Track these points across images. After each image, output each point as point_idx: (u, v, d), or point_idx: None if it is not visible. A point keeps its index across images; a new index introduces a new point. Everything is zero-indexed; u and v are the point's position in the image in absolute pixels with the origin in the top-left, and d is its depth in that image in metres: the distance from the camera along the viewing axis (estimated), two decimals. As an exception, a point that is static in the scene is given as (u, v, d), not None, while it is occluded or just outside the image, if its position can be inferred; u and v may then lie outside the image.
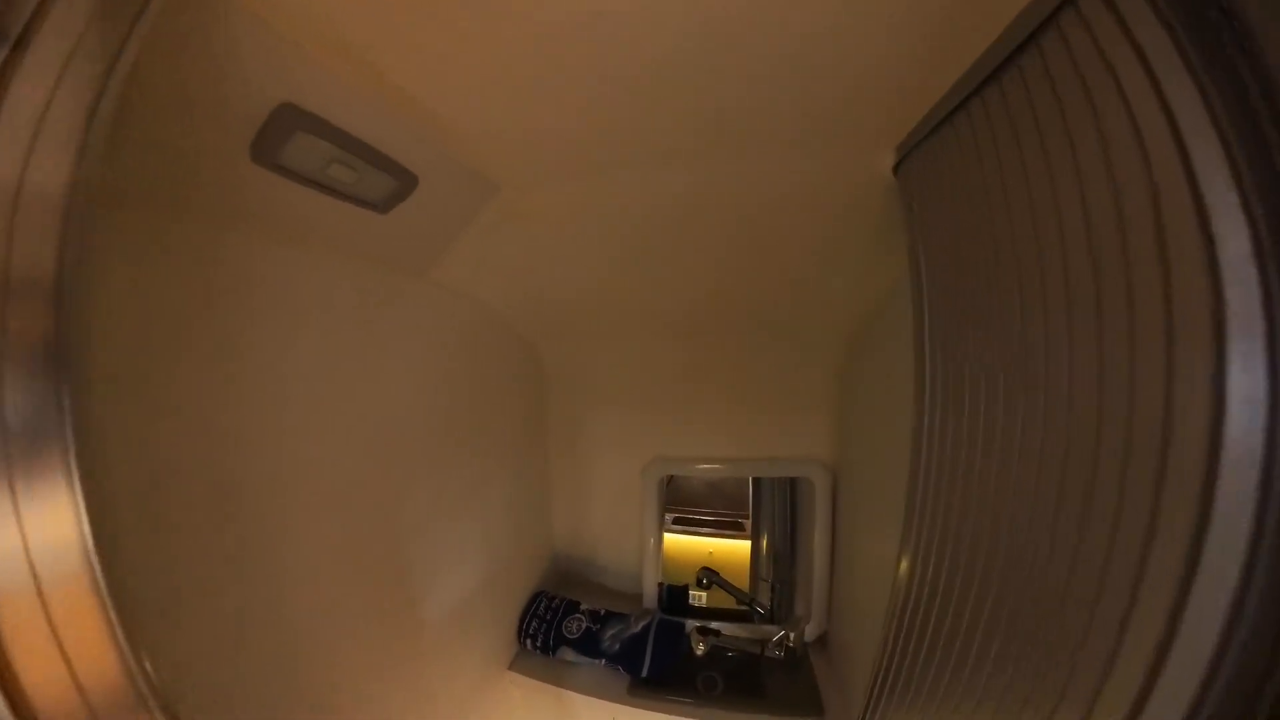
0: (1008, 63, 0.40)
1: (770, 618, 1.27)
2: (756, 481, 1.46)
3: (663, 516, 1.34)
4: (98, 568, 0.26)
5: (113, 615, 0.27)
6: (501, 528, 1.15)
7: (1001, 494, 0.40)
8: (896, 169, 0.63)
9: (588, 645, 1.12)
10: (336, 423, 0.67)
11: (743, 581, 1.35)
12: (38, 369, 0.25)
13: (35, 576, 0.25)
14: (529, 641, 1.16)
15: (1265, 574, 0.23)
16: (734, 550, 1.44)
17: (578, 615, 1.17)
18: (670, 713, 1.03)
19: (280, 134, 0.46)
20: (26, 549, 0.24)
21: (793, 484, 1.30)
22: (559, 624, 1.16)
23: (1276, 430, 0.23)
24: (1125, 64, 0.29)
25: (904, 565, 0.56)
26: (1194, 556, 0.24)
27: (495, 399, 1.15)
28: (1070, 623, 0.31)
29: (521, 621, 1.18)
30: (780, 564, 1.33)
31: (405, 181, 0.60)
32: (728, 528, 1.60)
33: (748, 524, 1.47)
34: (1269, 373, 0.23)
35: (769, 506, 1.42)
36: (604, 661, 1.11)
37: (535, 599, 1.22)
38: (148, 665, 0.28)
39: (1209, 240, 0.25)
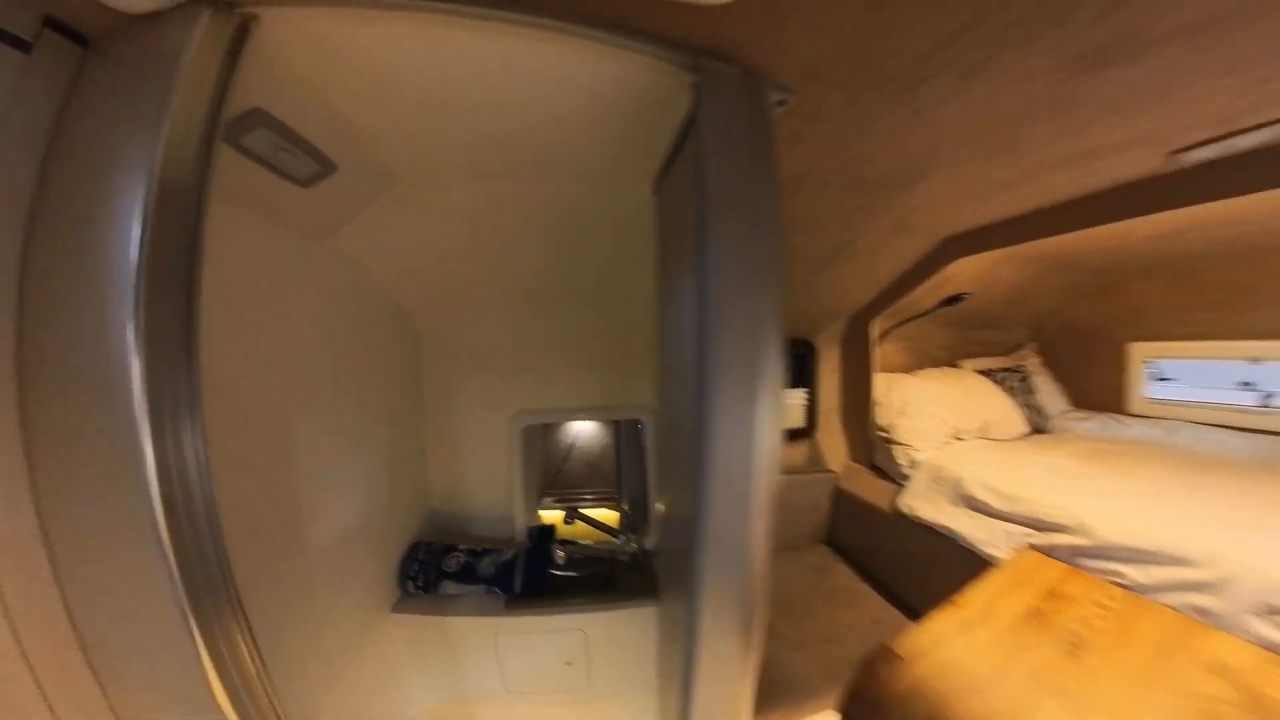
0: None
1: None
2: (618, 454, 1.83)
3: (529, 463, 1.60)
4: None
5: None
6: (381, 476, 1.28)
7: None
8: (656, 192, 1.06)
9: (467, 575, 1.31)
10: (242, 347, 0.82)
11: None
12: None
13: None
14: (410, 584, 1.30)
15: None
16: (609, 517, 1.78)
17: (456, 553, 1.35)
18: (543, 614, 1.28)
19: (246, 126, 0.67)
20: None
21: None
22: (439, 564, 1.33)
23: None
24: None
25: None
26: None
27: (376, 358, 1.30)
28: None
29: (403, 567, 1.32)
30: (635, 498, 1.69)
31: (327, 166, 0.82)
32: (605, 500, 1.94)
33: (620, 496, 1.83)
34: None
35: (629, 469, 1.78)
36: (483, 587, 1.31)
37: (415, 548, 1.36)
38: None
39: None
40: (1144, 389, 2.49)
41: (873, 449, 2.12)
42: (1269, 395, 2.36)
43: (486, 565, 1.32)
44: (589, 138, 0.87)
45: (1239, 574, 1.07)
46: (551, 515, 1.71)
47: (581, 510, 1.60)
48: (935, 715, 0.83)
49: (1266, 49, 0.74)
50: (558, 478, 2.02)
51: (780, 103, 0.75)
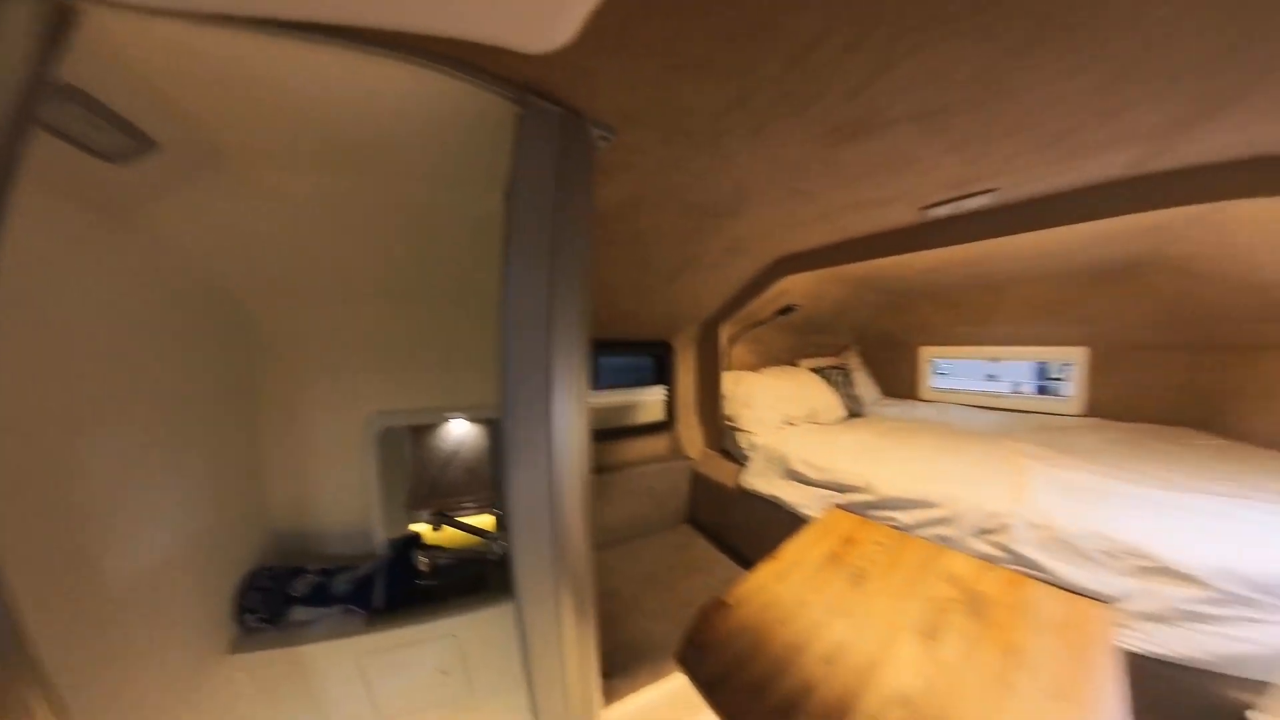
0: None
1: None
2: (494, 456, 1.84)
3: (390, 469, 1.54)
4: None
5: None
6: (202, 495, 1.14)
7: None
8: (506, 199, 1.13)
9: (319, 597, 1.22)
10: (11, 348, 0.71)
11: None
12: None
13: None
14: (249, 617, 1.18)
15: None
16: (489, 521, 1.78)
17: (305, 575, 1.26)
18: (409, 626, 1.22)
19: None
20: None
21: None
22: (284, 589, 1.22)
23: None
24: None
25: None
26: None
27: (195, 356, 1.15)
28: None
29: (239, 599, 1.19)
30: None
31: (144, 143, 0.75)
32: (487, 507, 1.91)
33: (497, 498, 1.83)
34: None
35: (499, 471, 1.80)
36: (339, 607, 1.23)
37: (254, 575, 1.23)
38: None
39: None
40: (929, 381, 3.27)
41: (723, 436, 2.42)
42: (1017, 385, 3.31)
43: (341, 583, 1.25)
44: (438, 147, 0.91)
45: (964, 510, 1.46)
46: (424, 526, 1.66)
47: (459, 518, 1.59)
48: (754, 645, 1.02)
49: (979, 134, 1.01)
50: (437, 487, 1.96)
51: (604, 138, 0.88)
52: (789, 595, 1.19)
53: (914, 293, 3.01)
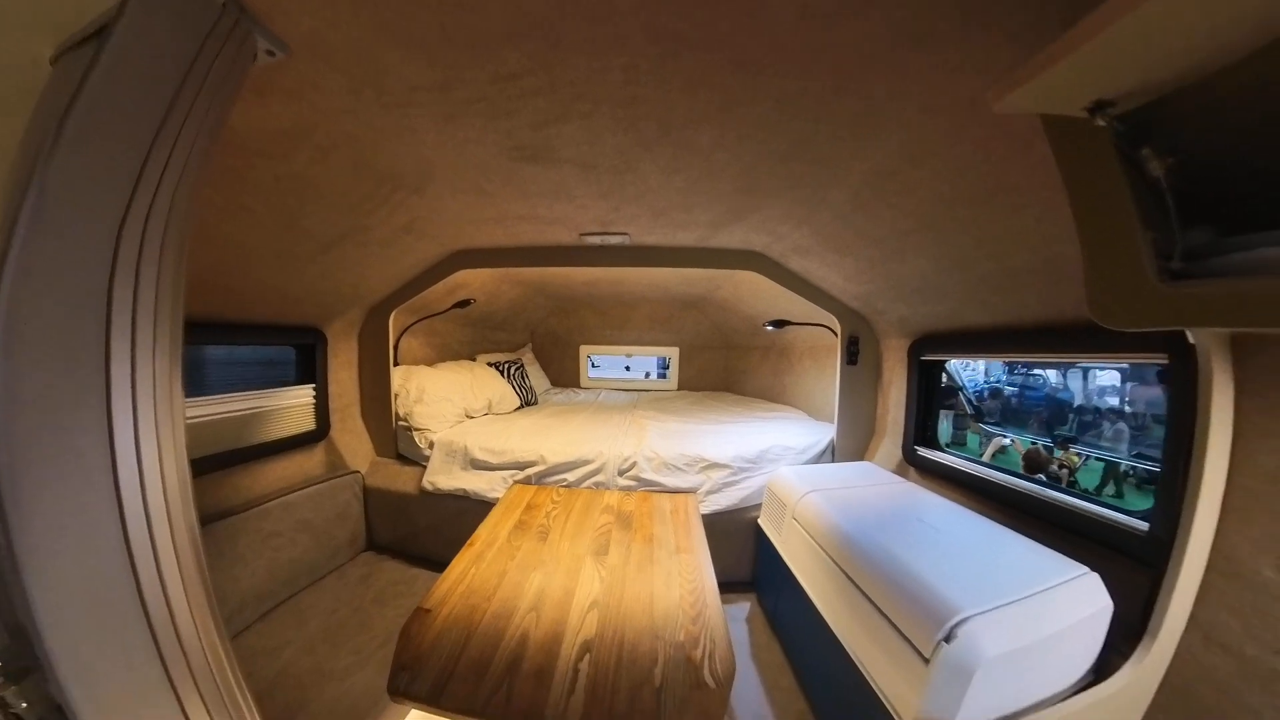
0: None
1: None
2: None
3: None
4: None
5: None
6: None
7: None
8: (54, 62, 0.71)
9: None
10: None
11: None
12: None
13: None
14: None
15: None
16: None
17: None
18: None
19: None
20: None
21: None
22: None
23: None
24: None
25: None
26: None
27: None
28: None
29: None
30: None
31: None
32: None
33: None
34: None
35: None
36: None
37: None
38: None
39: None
40: (588, 372, 3.95)
41: (397, 439, 2.17)
42: (647, 372, 4.48)
43: None
44: None
45: (609, 460, 1.84)
46: None
47: None
48: (465, 634, 0.97)
49: (618, 192, 1.31)
50: None
51: (270, 53, 0.68)
52: (489, 572, 1.22)
53: (577, 300, 3.61)
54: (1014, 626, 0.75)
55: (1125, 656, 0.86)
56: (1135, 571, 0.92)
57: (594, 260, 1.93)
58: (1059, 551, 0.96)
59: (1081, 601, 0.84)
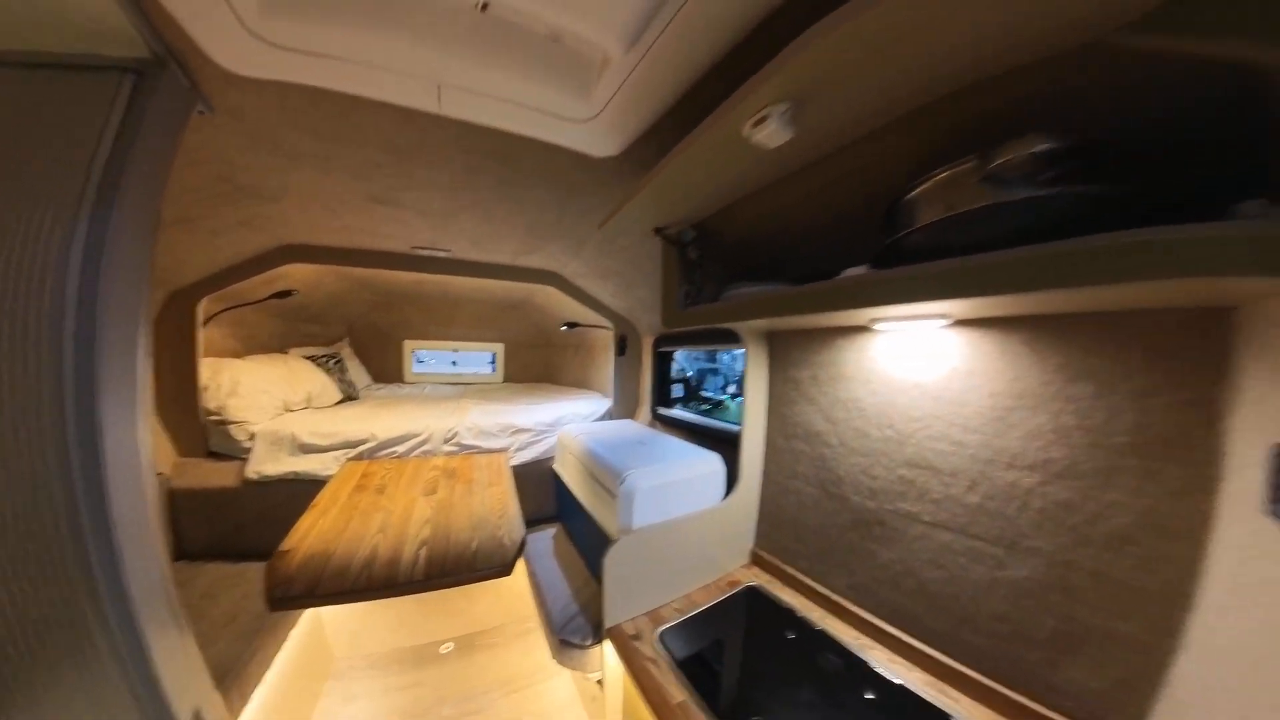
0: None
1: None
2: None
3: None
4: None
5: None
6: None
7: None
8: None
9: None
10: None
11: None
12: None
13: None
14: None
15: None
16: None
17: None
18: None
19: None
20: None
21: None
22: None
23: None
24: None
25: None
26: None
27: None
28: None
29: None
30: None
31: None
32: None
33: None
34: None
35: None
36: None
37: None
38: None
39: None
40: (412, 367, 4.06)
41: (207, 436, 2.12)
42: (476, 368, 4.71)
43: None
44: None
45: (435, 432, 2.26)
46: None
47: None
48: (325, 555, 1.32)
49: (445, 226, 1.81)
50: None
51: (200, 111, 0.97)
52: (336, 521, 1.57)
53: (401, 296, 3.72)
54: (658, 476, 1.47)
55: (731, 490, 1.69)
56: (735, 450, 1.77)
57: (423, 268, 2.33)
58: (706, 448, 1.78)
59: (708, 466, 1.63)
